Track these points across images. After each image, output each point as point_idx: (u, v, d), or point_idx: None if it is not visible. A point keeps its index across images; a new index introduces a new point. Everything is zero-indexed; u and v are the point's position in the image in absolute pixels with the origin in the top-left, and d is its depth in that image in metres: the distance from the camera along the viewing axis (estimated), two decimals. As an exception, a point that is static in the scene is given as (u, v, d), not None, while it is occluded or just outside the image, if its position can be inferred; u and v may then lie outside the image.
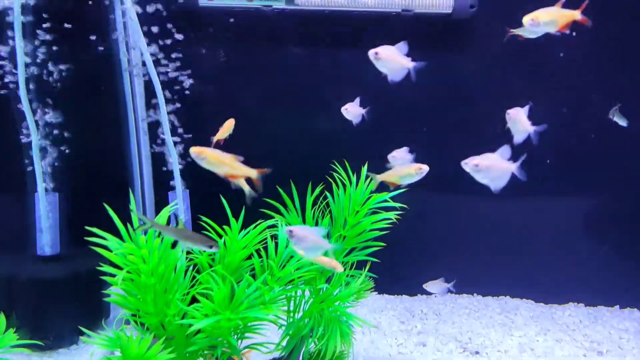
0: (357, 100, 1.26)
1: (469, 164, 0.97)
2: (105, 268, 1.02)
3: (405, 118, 1.55)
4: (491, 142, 0.98)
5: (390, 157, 1.20)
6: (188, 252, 1.12)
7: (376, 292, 1.78)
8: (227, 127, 1.21)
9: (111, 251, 1.00)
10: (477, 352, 1.50)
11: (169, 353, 1.00)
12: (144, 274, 0.99)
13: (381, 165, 1.18)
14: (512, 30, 1.09)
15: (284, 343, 1.20)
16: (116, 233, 1.04)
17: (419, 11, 1.40)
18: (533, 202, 1.63)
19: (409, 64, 0.99)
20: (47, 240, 1.42)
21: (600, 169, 1.61)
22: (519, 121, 1.03)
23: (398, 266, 1.61)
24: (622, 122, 1.61)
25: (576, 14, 0.98)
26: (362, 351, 1.48)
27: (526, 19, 0.97)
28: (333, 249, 1.01)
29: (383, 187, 1.15)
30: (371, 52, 0.99)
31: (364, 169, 1.20)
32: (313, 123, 1.54)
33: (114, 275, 1.01)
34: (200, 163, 0.87)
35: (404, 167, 1.16)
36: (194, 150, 0.87)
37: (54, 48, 1.37)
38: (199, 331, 1.11)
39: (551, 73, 1.55)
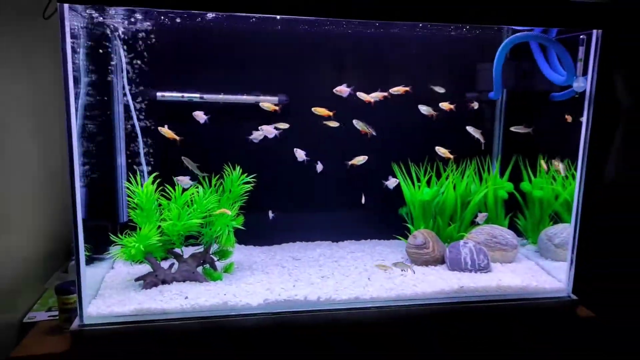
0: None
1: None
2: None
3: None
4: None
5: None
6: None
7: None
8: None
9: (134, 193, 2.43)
10: (298, 259, 3.03)
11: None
12: (144, 200, 2.44)
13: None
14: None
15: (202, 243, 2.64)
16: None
17: (263, 102, 3.07)
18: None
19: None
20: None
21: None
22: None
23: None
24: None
25: None
26: (244, 260, 2.88)
27: None
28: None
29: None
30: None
31: (238, 169, 2.75)
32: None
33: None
34: (161, 132, 2.41)
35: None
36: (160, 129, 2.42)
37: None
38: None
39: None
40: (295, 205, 3.18)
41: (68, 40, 1.99)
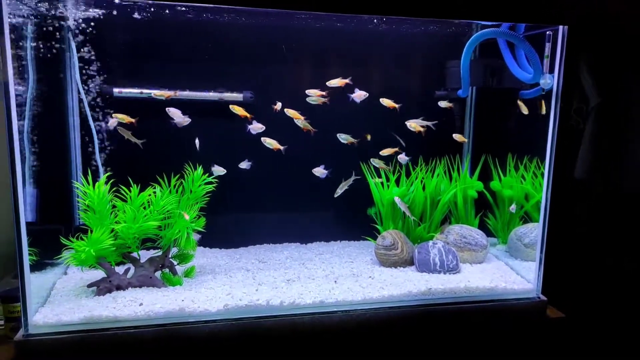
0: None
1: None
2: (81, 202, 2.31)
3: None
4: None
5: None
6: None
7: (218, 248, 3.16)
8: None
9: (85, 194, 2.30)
10: (264, 262, 2.94)
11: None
12: (96, 202, 2.30)
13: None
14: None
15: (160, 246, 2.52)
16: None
17: (227, 99, 2.97)
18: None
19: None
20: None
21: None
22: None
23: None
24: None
25: None
26: (207, 264, 2.80)
27: None
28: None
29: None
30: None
31: (200, 169, 2.64)
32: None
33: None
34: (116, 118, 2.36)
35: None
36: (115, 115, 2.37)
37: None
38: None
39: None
40: (262, 206, 3.07)
41: (7, 31, 1.87)
